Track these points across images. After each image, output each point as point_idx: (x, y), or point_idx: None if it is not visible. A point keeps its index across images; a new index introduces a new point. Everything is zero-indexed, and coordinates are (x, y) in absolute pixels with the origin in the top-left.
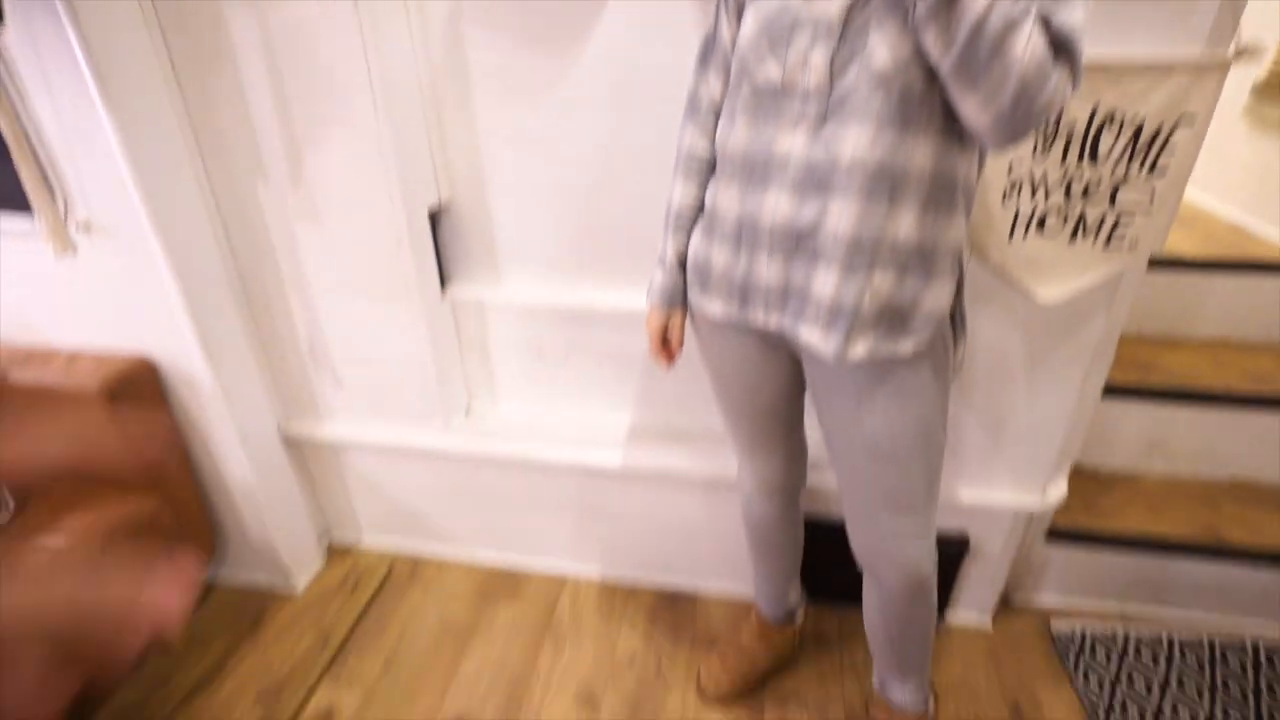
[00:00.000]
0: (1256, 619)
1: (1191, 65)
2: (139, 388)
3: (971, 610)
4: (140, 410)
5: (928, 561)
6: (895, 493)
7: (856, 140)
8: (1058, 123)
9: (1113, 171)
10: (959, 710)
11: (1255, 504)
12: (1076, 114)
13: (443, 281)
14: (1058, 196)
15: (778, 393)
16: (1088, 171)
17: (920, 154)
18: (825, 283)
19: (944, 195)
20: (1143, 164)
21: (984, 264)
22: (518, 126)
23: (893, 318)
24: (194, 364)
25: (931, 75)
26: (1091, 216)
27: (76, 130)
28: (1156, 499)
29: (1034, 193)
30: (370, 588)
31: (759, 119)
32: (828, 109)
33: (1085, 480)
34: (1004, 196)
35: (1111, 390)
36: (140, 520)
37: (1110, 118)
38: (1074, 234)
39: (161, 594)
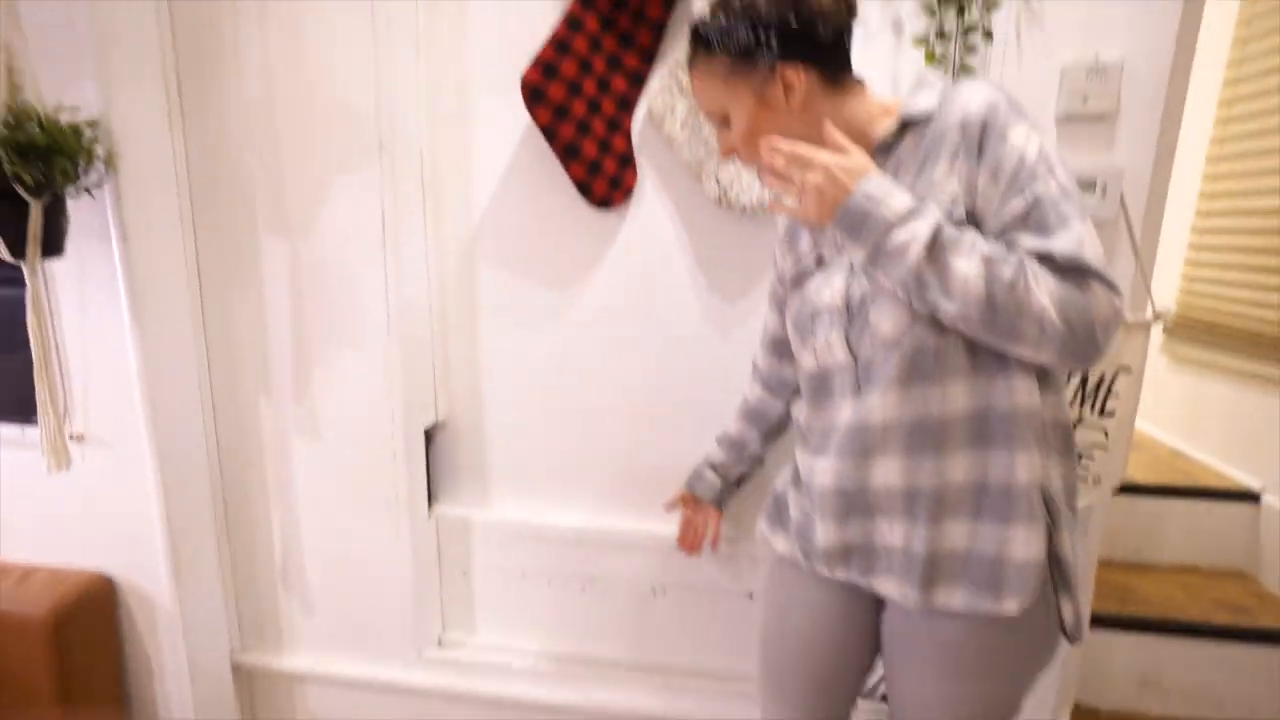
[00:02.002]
0: None
1: (1123, 325)
2: (91, 608)
3: None
4: (88, 636)
5: None
6: None
7: (883, 402)
8: None
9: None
10: None
11: None
12: None
13: (430, 499)
14: None
15: (842, 649)
16: None
17: (955, 399)
18: (890, 533)
19: (1002, 431)
20: (1094, 407)
21: None
22: (519, 352)
23: (982, 568)
24: (158, 584)
25: (939, 328)
26: None
27: (99, 346)
28: None
29: None
30: None
31: (817, 398)
32: (858, 379)
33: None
34: None
35: (1096, 620)
36: None
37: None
38: None
39: None
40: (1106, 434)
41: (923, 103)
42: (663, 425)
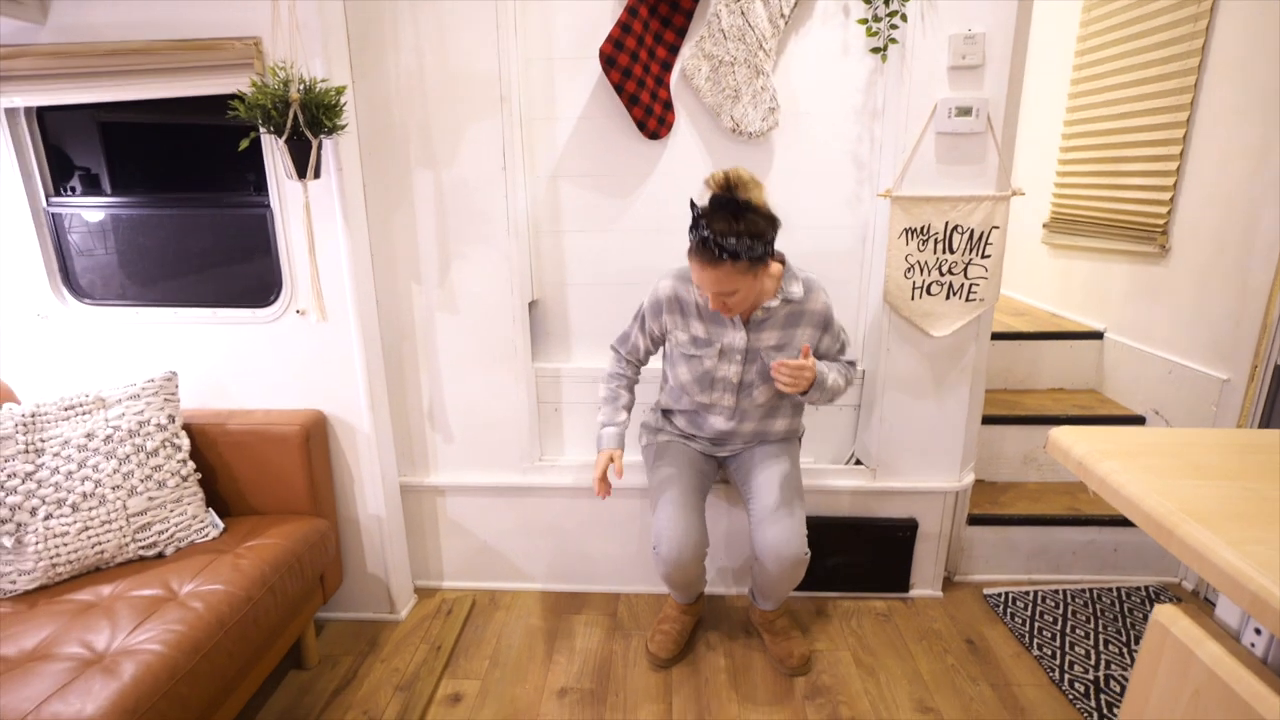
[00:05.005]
0: (1114, 574)
1: (991, 197)
2: (318, 435)
3: (926, 585)
4: (318, 450)
5: (805, 549)
6: (790, 502)
7: (750, 426)
8: (929, 231)
9: (963, 257)
10: (930, 647)
11: None
12: (937, 226)
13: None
14: (935, 274)
15: (706, 473)
16: (949, 258)
17: (779, 418)
18: (737, 440)
19: (788, 414)
20: (978, 252)
21: (898, 315)
22: (591, 248)
23: (777, 438)
24: (359, 417)
25: (779, 397)
26: (955, 284)
27: (323, 249)
28: (1035, 494)
29: (922, 271)
30: (462, 613)
31: (698, 412)
32: (735, 414)
33: (986, 488)
34: (905, 274)
35: (993, 420)
36: (314, 540)
37: (956, 227)
38: (948, 295)
39: None
40: (987, 270)
41: (796, 292)
42: None
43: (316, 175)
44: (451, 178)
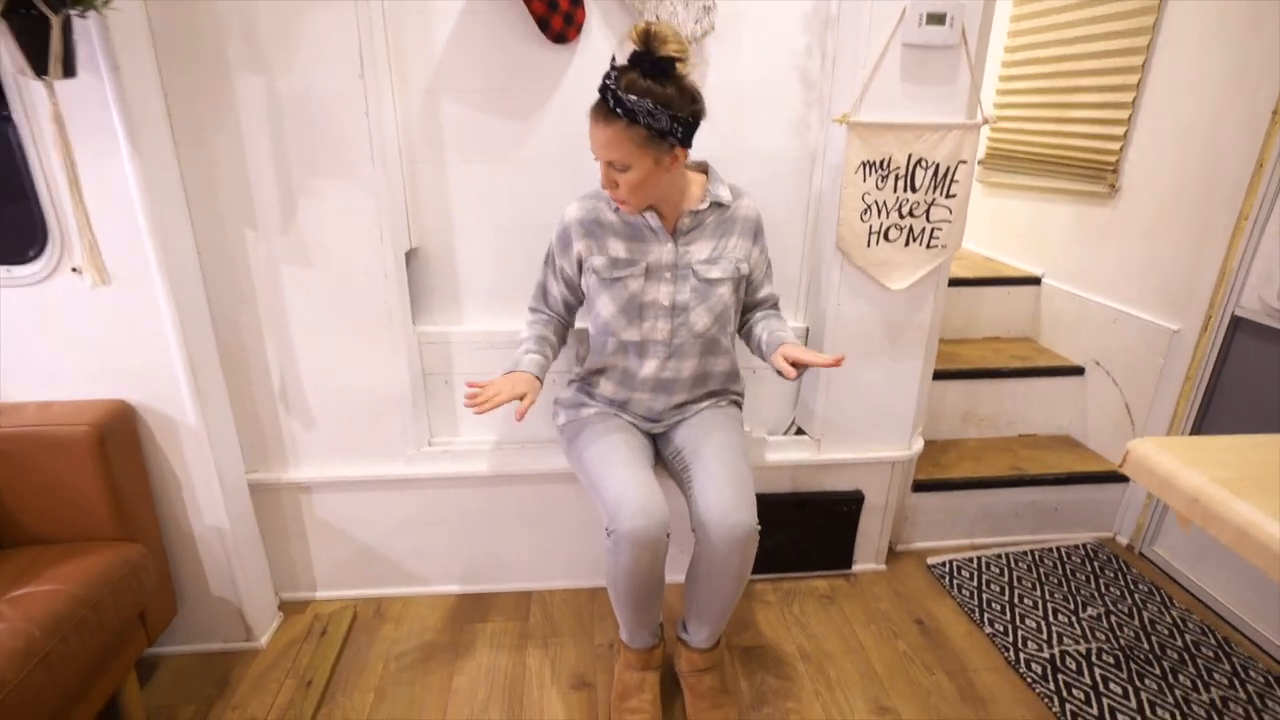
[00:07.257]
0: (1054, 532)
1: (961, 125)
2: (121, 433)
3: (869, 560)
4: (122, 452)
5: (756, 522)
6: (741, 473)
7: (689, 366)
8: (889, 165)
9: (926, 196)
10: (879, 631)
11: (1038, 448)
12: (899, 160)
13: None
14: (895, 216)
15: (647, 448)
16: (910, 197)
17: (718, 354)
18: (679, 396)
19: (725, 351)
20: (942, 191)
21: (851, 265)
22: (485, 181)
23: (719, 392)
24: (179, 406)
25: (720, 325)
26: (916, 228)
27: (99, 183)
28: (976, 453)
29: (880, 213)
30: (340, 632)
31: (626, 355)
32: (670, 351)
33: (928, 447)
34: (862, 216)
35: (933, 375)
36: (123, 574)
37: (920, 161)
38: (907, 241)
39: None
40: (951, 211)
41: (725, 196)
42: None
43: (69, 73)
44: (291, 87)
